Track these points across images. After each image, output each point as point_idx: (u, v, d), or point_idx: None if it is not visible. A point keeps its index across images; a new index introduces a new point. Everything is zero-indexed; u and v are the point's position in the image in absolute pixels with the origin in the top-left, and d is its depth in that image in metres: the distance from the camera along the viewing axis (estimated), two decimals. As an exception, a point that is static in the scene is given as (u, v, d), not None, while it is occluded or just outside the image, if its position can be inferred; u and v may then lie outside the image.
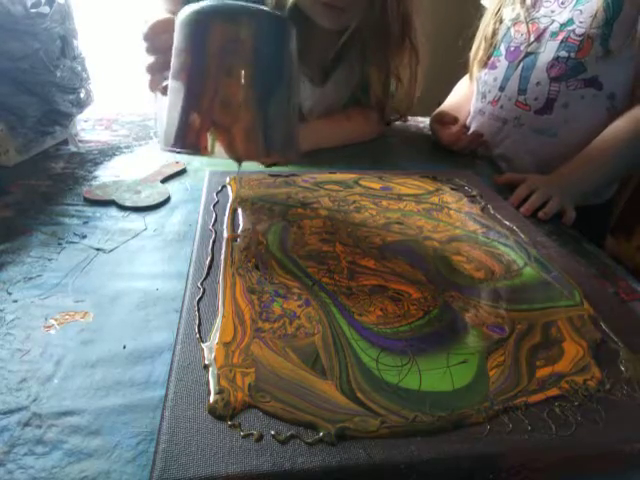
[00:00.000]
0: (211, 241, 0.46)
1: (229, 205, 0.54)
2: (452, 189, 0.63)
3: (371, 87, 0.82)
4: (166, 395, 0.29)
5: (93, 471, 0.26)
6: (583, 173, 0.69)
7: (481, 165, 0.80)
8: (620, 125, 0.70)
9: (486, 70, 0.86)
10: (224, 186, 0.60)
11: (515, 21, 0.80)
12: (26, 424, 0.29)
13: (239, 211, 0.53)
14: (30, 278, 0.42)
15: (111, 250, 0.48)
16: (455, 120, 0.86)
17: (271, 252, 0.45)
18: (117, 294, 0.41)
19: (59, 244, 0.48)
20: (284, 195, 0.58)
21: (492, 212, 0.57)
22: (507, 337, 0.35)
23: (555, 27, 0.74)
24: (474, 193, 0.62)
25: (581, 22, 0.70)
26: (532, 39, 0.76)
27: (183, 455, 0.25)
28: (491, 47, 0.84)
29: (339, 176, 0.65)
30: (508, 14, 0.82)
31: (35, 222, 0.52)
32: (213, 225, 0.50)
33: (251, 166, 0.72)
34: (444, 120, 0.87)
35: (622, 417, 0.29)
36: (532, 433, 0.28)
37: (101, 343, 0.36)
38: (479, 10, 0.89)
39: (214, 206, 0.54)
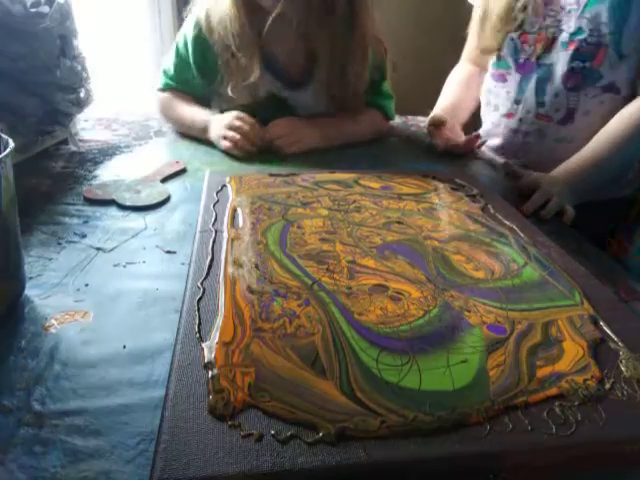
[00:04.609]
0: (211, 241, 0.46)
1: (229, 205, 0.54)
2: (452, 189, 0.63)
3: (322, 65, 0.80)
4: (166, 395, 0.29)
5: (93, 471, 0.26)
6: (584, 171, 0.69)
7: (480, 165, 0.80)
8: (612, 124, 0.70)
9: (494, 82, 0.86)
10: (224, 186, 0.60)
11: (520, 32, 0.79)
12: (26, 424, 0.29)
13: (239, 211, 0.53)
14: (30, 278, 0.42)
15: (111, 249, 0.48)
16: (448, 123, 0.85)
17: (271, 252, 0.45)
18: (117, 294, 0.41)
19: (59, 244, 0.48)
20: (284, 195, 0.58)
21: (492, 212, 0.57)
22: (507, 337, 0.35)
23: (565, 37, 0.73)
24: (474, 193, 0.62)
25: (591, 30, 0.70)
26: (541, 50, 0.76)
27: (183, 455, 0.25)
28: (507, 25, 0.80)
29: (339, 175, 0.65)
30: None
31: (35, 222, 0.52)
32: (213, 225, 0.49)
33: (252, 166, 0.72)
34: (437, 124, 0.85)
35: (622, 417, 0.29)
36: (532, 433, 0.28)
37: (101, 343, 0.36)
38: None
39: (214, 205, 0.54)
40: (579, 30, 0.71)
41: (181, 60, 0.82)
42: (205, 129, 0.78)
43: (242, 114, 0.76)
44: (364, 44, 0.78)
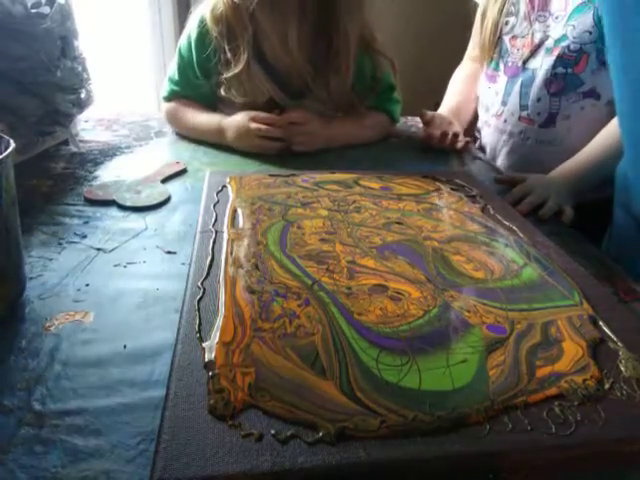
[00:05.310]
0: (211, 241, 0.46)
1: (229, 205, 0.54)
2: (452, 189, 0.63)
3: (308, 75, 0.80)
4: (166, 395, 0.29)
5: (93, 471, 0.26)
6: (579, 172, 0.69)
7: (480, 165, 0.80)
8: (613, 126, 0.71)
9: (488, 83, 0.87)
10: (224, 186, 0.60)
11: (511, 36, 0.81)
12: (26, 424, 0.29)
13: (239, 211, 0.53)
14: (31, 278, 0.42)
15: (111, 250, 0.48)
16: (430, 119, 0.85)
17: (271, 252, 0.45)
18: (117, 294, 0.41)
19: (60, 244, 0.48)
20: (284, 195, 0.58)
21: (492, 212, 0.57)
22: (507, 337, 0.35)
23: (550, 43, 0.75)
24: (474, 193, 0.62)
25: (575, 37, 0.72)
26: (527, 54, 0.77)
27: (183, 455, 0.25)
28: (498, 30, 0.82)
29: (339, 176, 0.65)
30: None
31: (36, 222, 0.52)
32: (213, 225, 0.50)
33: (252, 166, 0.72)
34: (424, 120, 0.86)
35: (621, 417, 0.29)
36: (532, 432, 0.28)
37: (101, 343, 0.36)
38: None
39: (214, 206, 0.54)
40: (563, 37, 0.73)
41: (184, 61, 0.83)
42: (220, 132, 0.78)
43: (253, 114, 0.76)
44: (347, 49, 0.77)
